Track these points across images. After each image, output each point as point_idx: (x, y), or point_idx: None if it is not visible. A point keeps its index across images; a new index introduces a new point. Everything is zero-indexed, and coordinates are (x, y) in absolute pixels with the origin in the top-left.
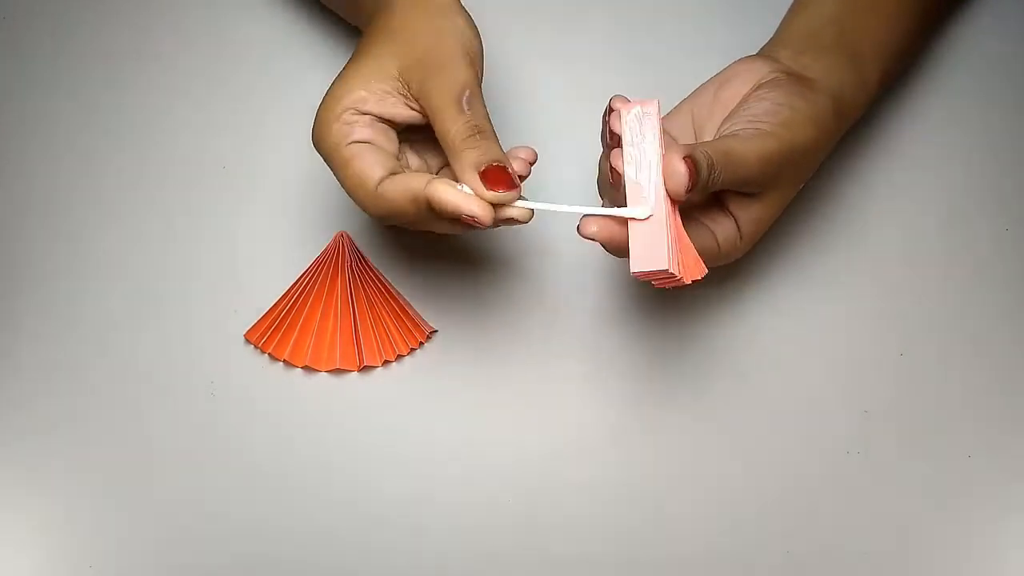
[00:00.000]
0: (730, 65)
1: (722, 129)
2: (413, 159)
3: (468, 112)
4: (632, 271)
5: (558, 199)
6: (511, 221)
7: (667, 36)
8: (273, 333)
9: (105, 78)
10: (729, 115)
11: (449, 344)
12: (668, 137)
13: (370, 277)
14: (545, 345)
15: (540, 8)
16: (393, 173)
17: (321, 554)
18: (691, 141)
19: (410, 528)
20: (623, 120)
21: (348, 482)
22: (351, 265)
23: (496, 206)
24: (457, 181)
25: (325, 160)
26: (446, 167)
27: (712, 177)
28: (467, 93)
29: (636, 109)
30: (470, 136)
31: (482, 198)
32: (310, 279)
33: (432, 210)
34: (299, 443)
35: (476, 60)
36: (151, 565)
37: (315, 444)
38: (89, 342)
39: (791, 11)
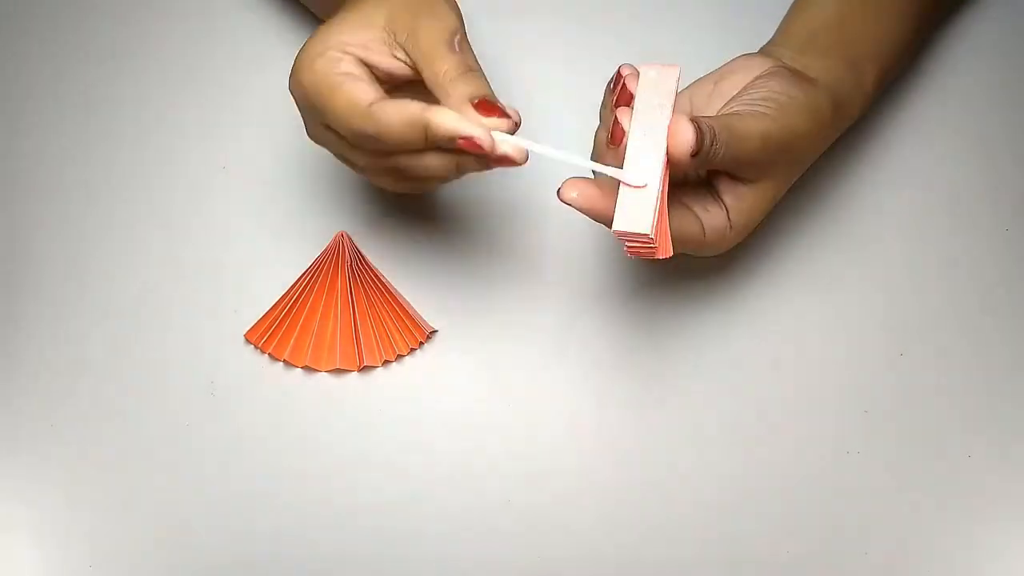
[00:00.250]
0: (730, 61)
1: (722, 111)
2: None
3: (460, 53)
4: (613, 229)
5: (558, 211)
6: (506, 160)
7: (666, 36)
8: (273, 333)
9: (105, 79)
10: (728, 102)
11: (449, 344)
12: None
13: (370, 277)
14: (545, 345)
15: (539, 4)
16: (385, 97)
17: (321, 553)
18: None
19: (410, 527)
20: (640, 79)
21: (348, 482)
22: (351, 265)
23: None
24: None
25: (307, 96)
26: None
27: (714, 148)
28: (457, 37)
29: (653, 71)
30: (462, 73)
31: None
32: (310, 279)
33: (427, 138)
34: (299, 443)
35: (460, 11)
36: (151, 565)
37: (315, 444)
38: (89, 342)
39: (790, 12)
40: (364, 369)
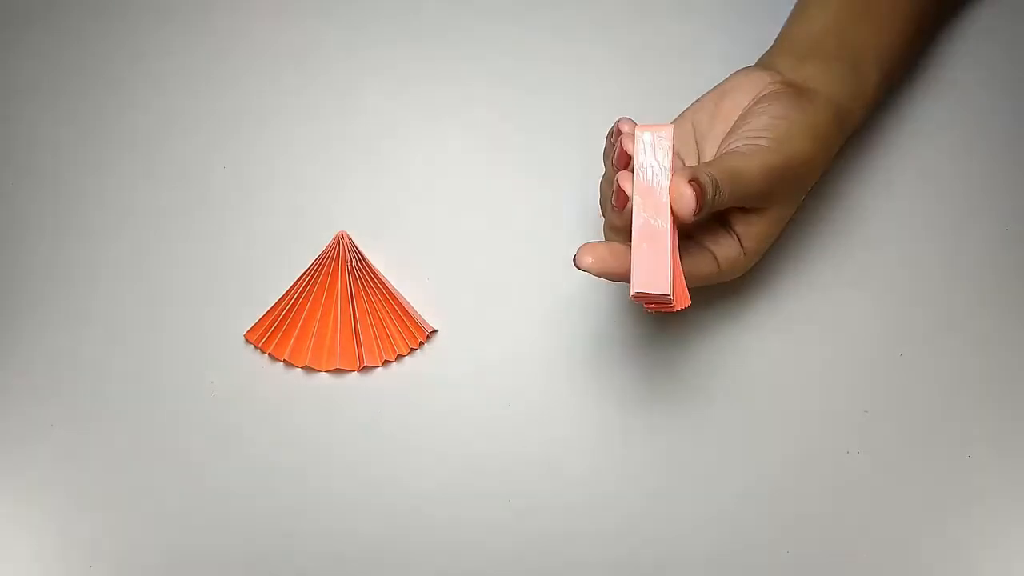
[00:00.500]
0: (729, 77)
1: (723, 146)
2: None
3: None
4: (632, 292)
5: (558, 210)
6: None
7: (666, 42)
8: (273, 333)
9: (105, 79)
10: (731, 130)
11: (449, 344)
12: (676, 160)
13: (370, 277)
14: (545, 345)
15: (540, 15)
16: None
17: (321, 553)
18: (692, 151)
19: (410, 527)
20: (636, 143)
21: (348, 482)
22: (351, 265)
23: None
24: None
25: None
26: None
27: (717, 197)
28: None
29: (649, 135)
30: None
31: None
32: (310, 279)
33: None
34: (299, 443)
35: None
36: (151, 565)
37: (315, 444)
38: (89, 342)
39: (791, 18)
40: (364, 369)
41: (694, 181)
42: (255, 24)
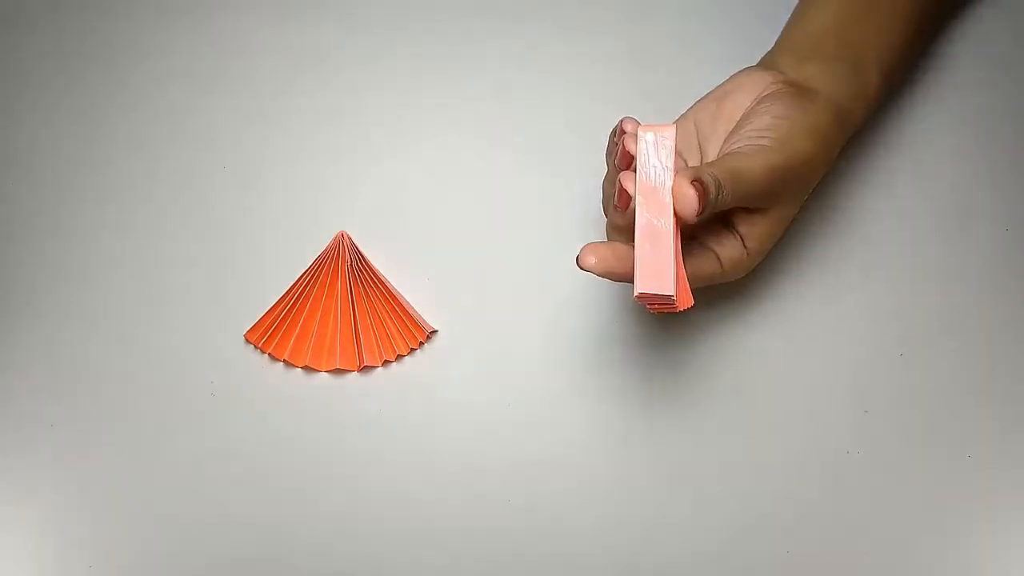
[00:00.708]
0: (732, 76)
1: (725, 146)
2: None
3: None
4: (636, 292)
5: (559, 211)
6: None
7: (668, 41)
8: (273, 333)
9: (105, 79)
10: (733, 130)
11: (449, 344)
12: (678, 160)
13: (370, 277)
14: (545, 345)
15: (542, 15)
16: None
17: (321, 554)
18: (695, 151)
19: (410, 527)
20: (639, 143)
21: (348, 482)
22: (351, 265)
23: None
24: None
25: None
26: None
27: (720, 197)
28: None
29: (651, 135)
30: None
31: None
32: (310, 279)
33: None
34: (299, 443)
35: None
36: (151, 565)
37: (315, 444)
38: (89, 342)
39: (792, 18)
40: (364, 369)
41: (697, 181)
42: (257, 25)
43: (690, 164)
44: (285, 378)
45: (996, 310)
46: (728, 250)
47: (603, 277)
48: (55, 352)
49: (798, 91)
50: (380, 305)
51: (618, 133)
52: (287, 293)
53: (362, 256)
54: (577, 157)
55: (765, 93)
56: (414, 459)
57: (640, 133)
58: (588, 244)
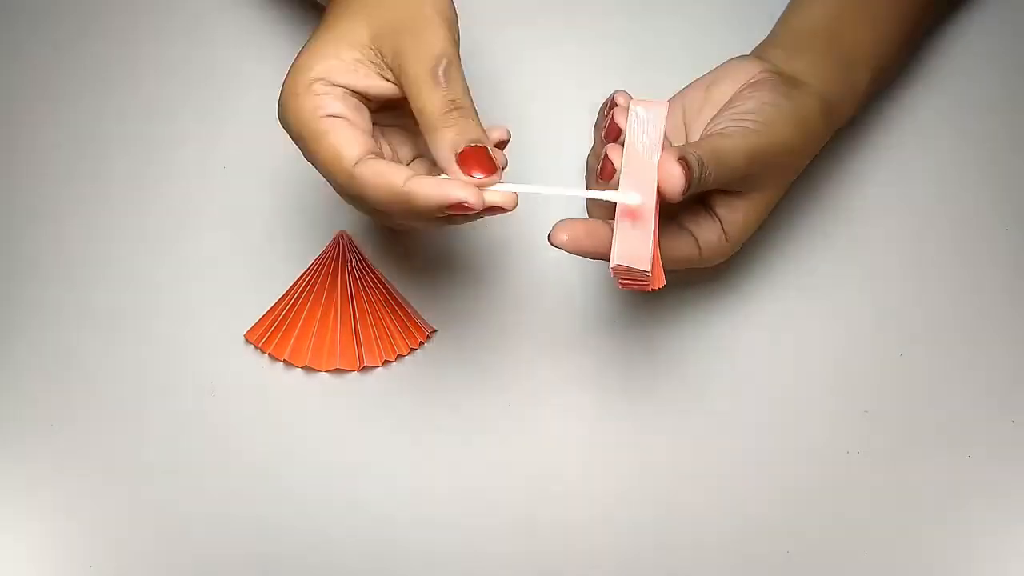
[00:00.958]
0: (721, 64)
1: (709, 127)
2: (384, 148)
3: (445, 85)
4: (612, 264)
5: (559, 211)
6: (496, 209)
7: (662, 35)
8: (273, 333)
9: (106, 80)
10: (717, 113)
11: (449, 344)
12: (665, 141)
13: (370, 277)
14: (545, 344)
15: (536, 4)
16: (372, 153)
17: (320, 554)
18: (680, 134)
19: (409, 527)
20: (629, 117)
21: (348, 482)
22: (351, 265)
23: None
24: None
25: (295, 136)
26: (419, 158)
27: (703, 176)
28: (444, 63)
29: (642, 109)
30: (447, 112)
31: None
32: (310, 279)
33: (409, 208)
34: (299, 443)
35: (454, 27)
36: (151, 565)
37: (315, 444)
38: (89, 342)
39: (785, 13)
40: (364, 369)
41: (682, 160)
42: (256, 24)
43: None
44: (285, 378)
45: (996, 310)
46: (706, 232)
47: (576, 254)
48: (55, 352)
49: (786, 80)
50: (380, 305)
51: (609, 106)
52: (287, 293)
53: (362, 256)
54: (579, 158)
55: (752, 80)
56: (414, 459)
57: (632, 107)
58: (560, 221)
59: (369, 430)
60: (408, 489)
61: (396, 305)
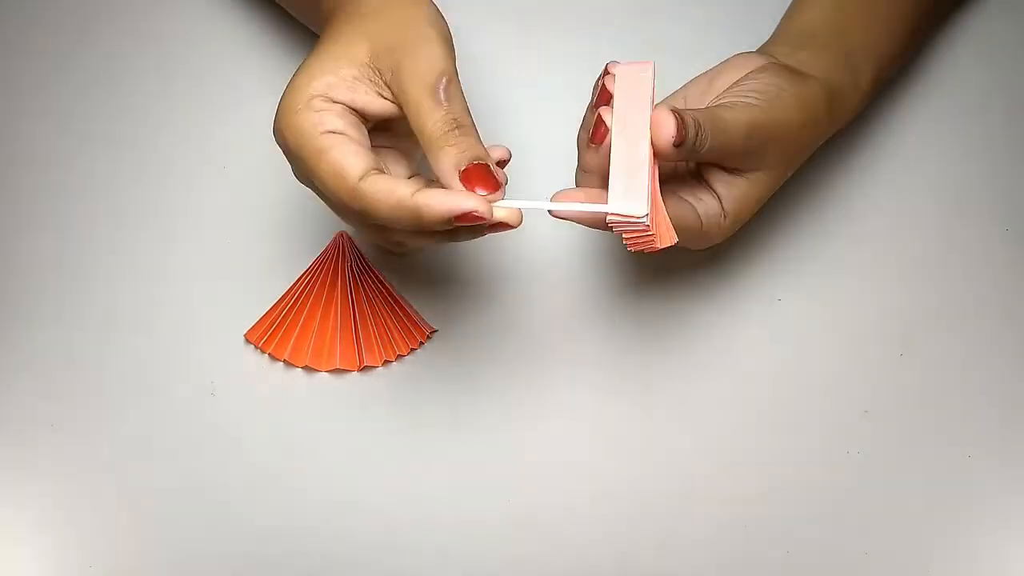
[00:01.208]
0: (726, 59)
1: (711, 103)
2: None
3: (446, 103)
4: (608, 214)
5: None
6: (501, 226)
7: (662, 37)
8: (273, 333)
9: (105, 79)
10: (719, 95)
11: (449, 344)
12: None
13: (370, 277)
14: (546, 344)
15: (533, 5)
16: (375, 169)
17: (321, 554)
18: None
19: (409, 527)
20: (616, 79)
21: (348, 482)
22: (351, 265)
23: None
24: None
25: (292, 153)
26: (415, 176)
27: (699, 139)
28: (444, 81)
29: (631, 68)
30: (449, 131)
31: None
32: (310, 279)
33: (417, 221)
34: (299, 443)
35: (451, 43)
36: (151, 565)
37: (315, 444)
38: (90, 342)
39: (788, 12)
40: (364, 369)
41: (675, 111)
42: (256, 23)
43: None
44: (285, 378)
45: (996, 309)
46: (705, 206)
47: (576, 222)
48: (55, 352)
49: (790, 69)
50: (380, 305)
51: (601, 76)
52: (287, 293)
53: (362, 256)
54: (570, 156)
55: (756, 67)
56: (414, 459)
57: (618, 69)
58: (558, 192)
59: (369, 430)
60: (408, 489)
61: (396, 305)
